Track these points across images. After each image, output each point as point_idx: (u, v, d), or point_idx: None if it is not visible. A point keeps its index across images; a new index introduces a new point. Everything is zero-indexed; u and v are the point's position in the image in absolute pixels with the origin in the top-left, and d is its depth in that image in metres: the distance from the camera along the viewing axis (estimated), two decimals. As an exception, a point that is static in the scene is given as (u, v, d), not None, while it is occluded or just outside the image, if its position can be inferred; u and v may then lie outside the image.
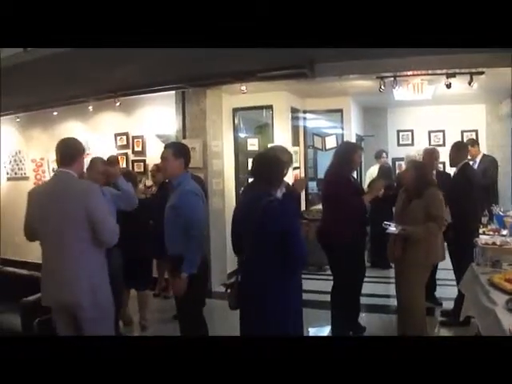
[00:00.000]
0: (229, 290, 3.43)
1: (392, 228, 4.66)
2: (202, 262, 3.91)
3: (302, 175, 9.20)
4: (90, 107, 7.86)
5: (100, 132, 8.37)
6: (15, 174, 9.83)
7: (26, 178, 9.56)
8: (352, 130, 9.19)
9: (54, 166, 8.55)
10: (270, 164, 3.37)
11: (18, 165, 9.75)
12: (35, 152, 9.47)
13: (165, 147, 4.14)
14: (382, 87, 6.37)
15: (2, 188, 10.08)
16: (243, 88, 6.49)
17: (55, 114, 8.39)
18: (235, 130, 8.31)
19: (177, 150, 4.05)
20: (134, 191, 4.35)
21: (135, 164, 8.08)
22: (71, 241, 3.42)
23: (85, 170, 4.21)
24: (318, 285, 6.80)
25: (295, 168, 8.65)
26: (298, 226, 3.27)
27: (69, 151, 3.58)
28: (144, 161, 8.00)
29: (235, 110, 8.26)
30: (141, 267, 5.59)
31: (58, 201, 3.44)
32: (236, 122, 8.31)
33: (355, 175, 8.60)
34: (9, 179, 9.98)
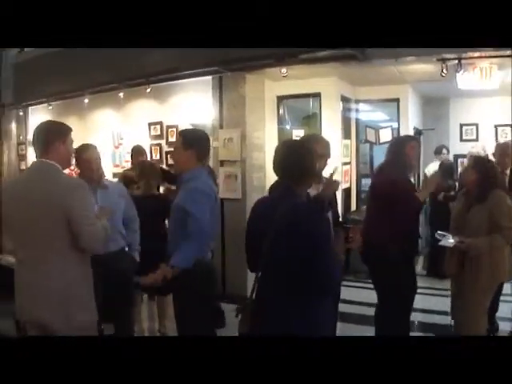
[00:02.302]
0: (239, 316, 2.70)
1: (448, 240, 3.85)
2: (204, 270, 3.28)
3: (354, 171, 8.42)
4: (121, 94, 7.30)
5: (133, 121, 7.87)
6: (49, 165, 9.38)
7: (60, 169, 9.11)
8: (409, 123, 8.22)
9: None
10: (294, 156, 2.62)
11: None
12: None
13: (178, 134, 3.50)
14: (444, 71, 5.46)
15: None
16: (284, 71, 5.73)
17: (86, 101, 7.91)
18: (279, 120, 7.57)
19: (186, 140, 3.38)
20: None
21: (169, 155, 7.46)
22: (46, 244, 2.87)
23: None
24: (364, 294, 5.94)
25: (345, 163, 7.89)
26: (327, 239, 2.51)
27: (41, 137, 3.00)
28: (178, 152, 7.34)
29: (279, 98, 7.52)
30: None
31: (32, 196, 2.86)
32: (280, 111, 7.57)
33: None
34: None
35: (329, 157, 3.72)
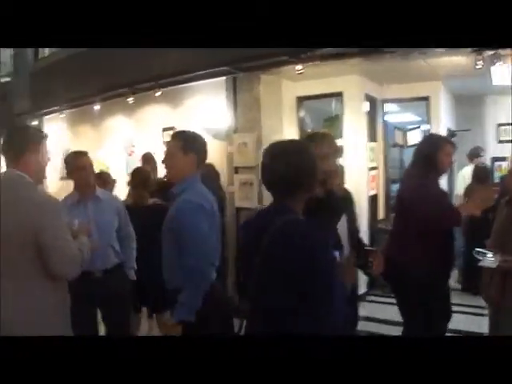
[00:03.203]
0: None
1: (489, 258, 3.29)
2: (209, 303, 2.74)
3: (381, 176, 7.83)
4: (131, 99, 6.97)
5: (146, 127, 7.50)
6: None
7: (76, 178, 8.85)
8: (441, 123, 7.56)
9: (100, 165, 8.11)
10: (287, 161, 2.04)
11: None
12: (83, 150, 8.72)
13: (171, 137, 3.04)
14: (480, 63, 4.86)
15: (55, 188, 9.41)
16: (299, 67, 5.24)
17: (97, 108, 7.60)
18: (299, 122, 7.07)
19: (187, 143, 2.91)
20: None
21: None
22: (9, 270, 2.45)
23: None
24: (393, 311, 5.32)
25: (372, 168, 7.34)
26: (328, 264, 1.98)
27: (11, 145, 2.63)
28: (192, 159, 6.94)
29: (299, 99, 7.02)
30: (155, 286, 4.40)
31: None
32: (301, 113, 7.08)
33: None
34: (61, 178, 9.13)
35: (338, 156, 3.09)
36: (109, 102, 7.62)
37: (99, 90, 7.24)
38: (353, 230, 2.88)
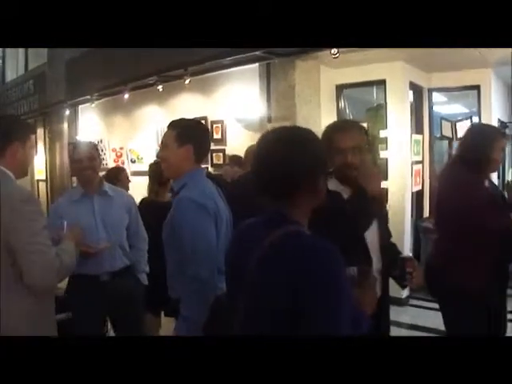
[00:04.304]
0: None
1: None
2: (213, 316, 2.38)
3: (426, 171, 7.32)
4: (160, 87, 6.78)
5: (178, 116, 7.19)
6: (98, 164, 8.97)
7: (108, 170, 8.71)
8: (492, 114, 7.02)
9: (132, 156, 7.91)
10: (284, 154, 1.51)
11: (100, 155, 8.77)
12: (116, 141, 8.62)
13: (167, 127, 2.66)
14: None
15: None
16: (334, 51, 4.85)
17: (126, 96, 7.37)
18: (339, 112, 6.66)
19: (182, 132, 2.54)
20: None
21: (214, 155, 6.76)
22: None
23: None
24: (435, 319, 4.79)
25: (417, 162, 6.85)
26: (341, 290, 1.43)
27: None
28: (223, 151, 6.68)
29: (339, 88, 6.63)
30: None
31: None
32: (340, 102, 6.67)
33: (496, 177, 6.66)
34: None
35: (367, 146, 2.54)
36: (141, 92, 7.44)
37: (128, 78, 7.09)
38: (384, 235, 2.46)
